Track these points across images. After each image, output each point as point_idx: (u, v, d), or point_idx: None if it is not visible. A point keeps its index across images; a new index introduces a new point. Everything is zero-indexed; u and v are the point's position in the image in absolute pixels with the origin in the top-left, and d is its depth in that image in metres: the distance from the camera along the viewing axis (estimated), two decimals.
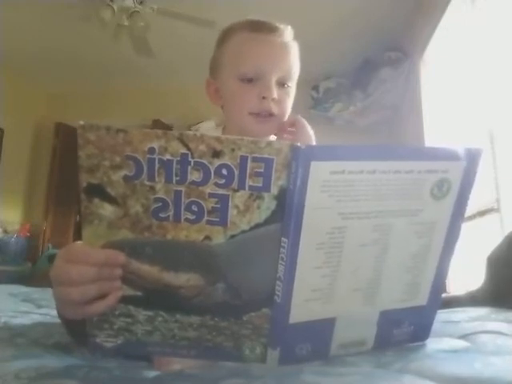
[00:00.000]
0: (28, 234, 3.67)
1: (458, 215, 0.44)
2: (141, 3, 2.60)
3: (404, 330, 0.47)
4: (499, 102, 1.69)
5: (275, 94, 0.73)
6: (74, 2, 2.66)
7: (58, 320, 0.87)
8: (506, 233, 0.85)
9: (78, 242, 0.41)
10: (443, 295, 1.01)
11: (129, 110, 3.96)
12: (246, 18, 0.78)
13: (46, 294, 1.29)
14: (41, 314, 0.95)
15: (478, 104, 1.87)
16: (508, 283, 0.77)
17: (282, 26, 0.77)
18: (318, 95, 3.31)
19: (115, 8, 2.55)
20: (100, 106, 4.00)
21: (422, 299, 0.47)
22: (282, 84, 0.75)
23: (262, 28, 0.75)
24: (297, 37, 0.81)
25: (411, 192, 0.41)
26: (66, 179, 3.93)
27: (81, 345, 0.60)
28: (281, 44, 0.75)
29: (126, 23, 2.65)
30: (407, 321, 0.47)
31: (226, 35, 0.79)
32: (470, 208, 1.78)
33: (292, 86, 0.77)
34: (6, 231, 3.64)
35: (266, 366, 0.43)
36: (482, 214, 1.77)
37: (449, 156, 0.42)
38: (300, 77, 0.80)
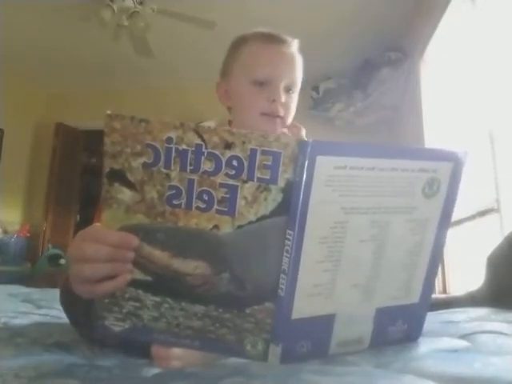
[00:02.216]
0: (28, 235, 3.67)
1: (446, 214, 0.46)
2: (141, 3, 2.60)
3: (398, 328, 0.49)
4: (499, 102, 1.69)
5: (283, 98, 0.81)
6: (74, 2, 2.66)
7: (57, 320, 0.88)
8: (506, 233, 0.85)
9: (97, 224, 0.44)
10: (443, 296, 1.01)
11: (129, 110, 3.95)
12: (258, 29, 0.87)
13: (45, 295, 1.29)
14: (40, 315, 0.95)
15: (478, 104, 1.87)
16: (508, 283, 0.77)
17: (289, 39, 0.86)
18: (318, 96, 3.31)
19: (115, 8, 2.55)
20: (100, 106, 3.98)
21: (414, 297, 0.48)
22: (287, 90, 0.83)
23: (273, 39, 0.85)
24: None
25: (405, 190, 0.43)
26: (66, 179, 3.93)
27: (82, 328, 0.63)
28: (290, 54, 0.85)
29: (126, 23, 2.65)
30: (401, 319, 0.48)
31: (239, 43, 0.88)
32: (470, 208, 1.78)
33: (296, 92, 0.86)
34: (5, 231, 3.64)
35: (267, 364, 0.44)
36: (481, 214, 1.77)
37: (438, 157, 0.44)
38: None
